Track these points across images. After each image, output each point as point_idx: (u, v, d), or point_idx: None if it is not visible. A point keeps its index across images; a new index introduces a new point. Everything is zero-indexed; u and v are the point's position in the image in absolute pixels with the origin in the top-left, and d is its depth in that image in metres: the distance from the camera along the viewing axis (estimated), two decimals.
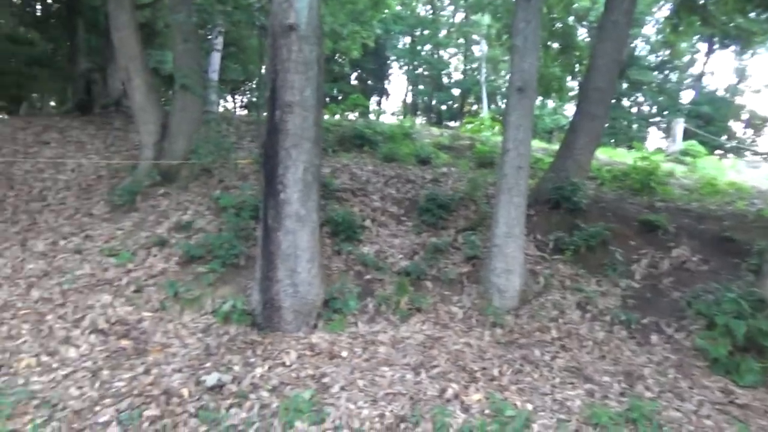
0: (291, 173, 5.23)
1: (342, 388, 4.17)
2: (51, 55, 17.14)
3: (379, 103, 33.51)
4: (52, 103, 18.81)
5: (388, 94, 34.69)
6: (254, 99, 25.14)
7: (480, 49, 25.28)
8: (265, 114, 5.57)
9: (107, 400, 3.86)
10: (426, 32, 29.22)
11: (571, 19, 13.26)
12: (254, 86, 24.68)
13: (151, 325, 5.40)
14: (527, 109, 6.13)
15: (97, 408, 3.77)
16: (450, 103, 32.28)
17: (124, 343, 4.94)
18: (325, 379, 4.32)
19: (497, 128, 12.51)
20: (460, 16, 30.16)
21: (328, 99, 24.97)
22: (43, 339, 4.88)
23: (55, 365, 4.41)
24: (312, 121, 5.29)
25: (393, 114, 32.47)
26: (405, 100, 34.11)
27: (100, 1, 12.77)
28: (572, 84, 17.83)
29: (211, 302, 5.87)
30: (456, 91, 31.60)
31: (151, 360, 4.65)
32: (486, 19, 22.41)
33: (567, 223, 7.25)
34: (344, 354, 4.88)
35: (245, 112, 24.38)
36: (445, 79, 31.98)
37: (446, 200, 7.41)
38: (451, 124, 28.03)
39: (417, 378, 4.44)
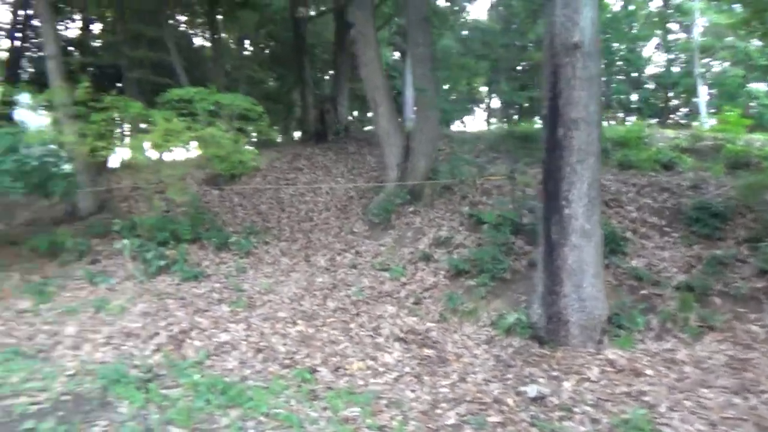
0: (576, 189, 5.27)
1: (670, 409, 4.05)
2: (278, 90, 19.58)
3: None
4: (297, 133, 21.18)
5: None
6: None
7: (691, 37, 23.00)
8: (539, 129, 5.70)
9: (443, 404, 4.23)
10: (620, 26, 27.36)
11: None
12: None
13: (439, 335, 5.80)
14: None
15: (438, 411, 4.14)
16: (650, 99, 29.75)
17: (427, 351, 5.37)
18: (646, 398, 4.24)
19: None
20: (656, 4, 27.79)
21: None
22: (356, 345, 5.51)
23: (380, 369, 4.95)
24: (595, 136, 5.29)
25: None
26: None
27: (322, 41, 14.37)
28: None
29: (486, 315, 6.13)
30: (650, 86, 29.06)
31: (456, 368, 5.00)
32: (697, 3, 20.34)
33: None
34: (649, 372, 4.74)
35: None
36: (637, 73, 29.61)
37: (720, 209, 6.85)
38: (652, 121, 25.89)
39: (747, 402, 4.15)
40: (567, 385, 4.55)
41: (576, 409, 4.12)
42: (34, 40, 18.75)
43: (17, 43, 18.53)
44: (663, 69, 28.96)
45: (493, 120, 27.54)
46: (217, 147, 7.70)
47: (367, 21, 9.40)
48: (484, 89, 28.71)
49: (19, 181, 7.14)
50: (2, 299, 7.04)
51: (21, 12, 18.73)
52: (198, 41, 20.45)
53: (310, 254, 7.95)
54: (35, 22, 19.72)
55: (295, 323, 5.94)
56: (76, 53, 15.99)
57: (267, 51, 19.66)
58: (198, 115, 7.70)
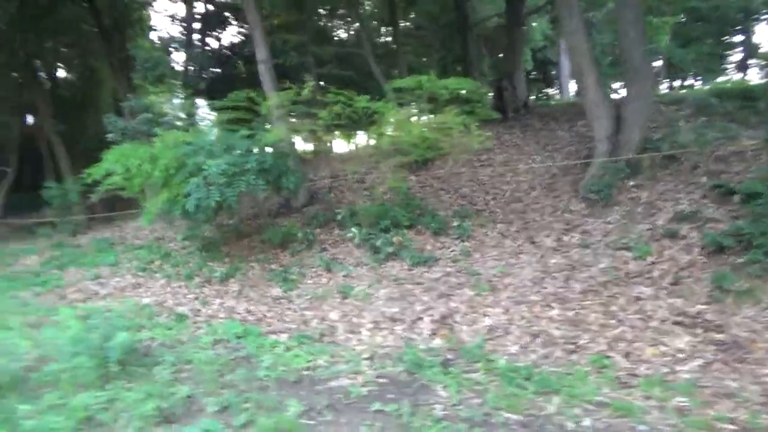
0: None
1: None
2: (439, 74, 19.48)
3: None
4: None
5: None
6: None
7: None
8: None
9: None
10: None
11: None
12: None
13: (717, 317, 5.32)
14: None
15: None
16: None
17: (717, 336, 4.94)
18: None
19: None
20: None
21: None
22: (633, 329, 5.20)
23: (678, 355, 4.62)
24: None
25: None
26: None
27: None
28: None
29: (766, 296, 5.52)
30: None
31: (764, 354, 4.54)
32: None
33: None
34: None
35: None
36: None
37: None
38: None
39: None
40: None
41: None
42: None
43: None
44: None
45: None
46: (418, 134, 7.71)
47: None
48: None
49: (260, 178, 7.75)
50: (254, 287, 7.74)
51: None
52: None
53: (533, 235, 7.76)
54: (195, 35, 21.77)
55: (550, 306, 5.81)
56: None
57: (426, 33, 19.51)
58: (413, 103, 7.82)
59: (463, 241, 7.95)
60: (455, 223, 8.23)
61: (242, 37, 26.23)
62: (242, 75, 24.46)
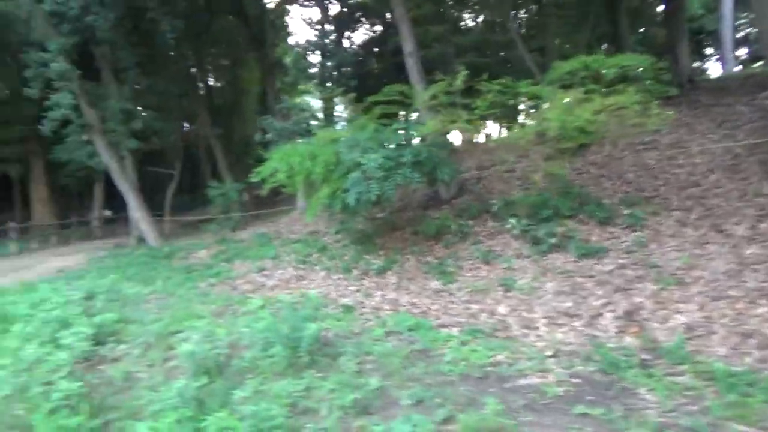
0: None
1: None
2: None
3: None
4: None
5: None
6: None
7: None
8: None
9: None
10: None
11: None
12: None
13: None
14: None
15: None
16: None
17: None
18: None
19: None
20: None
21: None
22: None
23: None
24: None
25: None
26: None
27: None
28: None
29: None
30: None
31: None
32: None
33: None
34: None
35: None
36: None
37: None
38: None
39: None
40: None
41: None
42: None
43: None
44: None
45: None
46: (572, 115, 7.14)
47: None
48: None
49: (416, 171, 7.72)
50: (412, 279, 7.74)
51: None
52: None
53: (719, 223, 6.91)
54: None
55: (755, 303, 5.09)
56: None
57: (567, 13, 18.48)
58: (572, 86, 7.32)
59: (634, 230, 7.31)
60: (626, 212, 7.59)
61: (372, 35, 26.85)
62: (374, 71, 25.04)
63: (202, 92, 21.07)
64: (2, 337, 5.46)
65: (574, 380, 4.09)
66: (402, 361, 4.58)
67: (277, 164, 7.99)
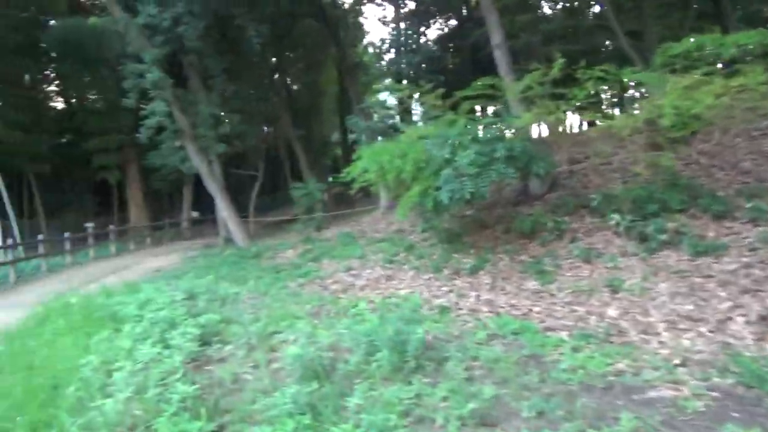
0: None
1: None
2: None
3: None
4: None
5: None
6: None
7: None
8: None
9: None
10: None
11: None
12: None
13: None
14: None
15: None
16: None
17: None
18: None
19: None
20: None
21: None
22: None
23: None
24: None
25: None
26: None
27: None
28: None
29: None
30: None
31: None
32: None
33: None
34: None
35: None
36: None
37: None
38: None
39: None
40: None
41: None
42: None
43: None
44: None
45: None
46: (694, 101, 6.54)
47: None
48: None
49: (510, 166, 7.41)
50: (507, 279, 7.43)
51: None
52: None
53: None
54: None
55: None
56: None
57: None
58: (678, 70, 6.73)
59: (758, 225, 6.63)
60: (747, 205, 6.91)
61: (445, 30, 26.48)
62: (449, 66, 24.70)
63: (283, 95, 21.58)
64: (116, 337, 5.69)
65: (712, 394, 3.68)
66: (514, 368, 4.33)
67: (367, 163, 7.92)
